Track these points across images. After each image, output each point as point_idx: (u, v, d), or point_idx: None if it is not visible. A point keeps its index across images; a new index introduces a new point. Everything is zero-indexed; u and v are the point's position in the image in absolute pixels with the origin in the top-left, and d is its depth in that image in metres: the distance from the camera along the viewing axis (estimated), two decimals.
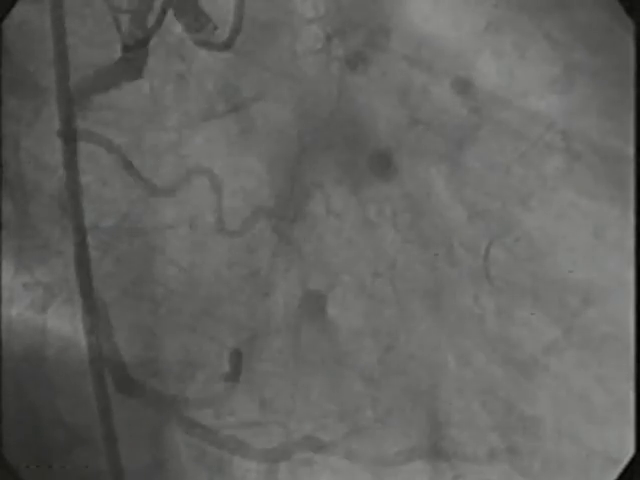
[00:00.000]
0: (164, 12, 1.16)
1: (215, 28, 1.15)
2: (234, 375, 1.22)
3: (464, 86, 1.18)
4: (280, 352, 1.22)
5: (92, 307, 1.18)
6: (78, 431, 1.19)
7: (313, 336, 1.22)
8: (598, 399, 1.22)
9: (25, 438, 1.18)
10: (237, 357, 1.21)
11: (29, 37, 1.17)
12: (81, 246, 1.18)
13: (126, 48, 1.16)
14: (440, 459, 1.24)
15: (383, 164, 1.20)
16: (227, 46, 1.17)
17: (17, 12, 1.15)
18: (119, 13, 1.16)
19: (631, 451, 1.17)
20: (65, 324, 1.19)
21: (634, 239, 1.17)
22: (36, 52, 1.17)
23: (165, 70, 1.18)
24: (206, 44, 1.17)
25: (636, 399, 1.17)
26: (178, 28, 1.18)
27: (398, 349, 1.23)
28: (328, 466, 1.24)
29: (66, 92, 1.17)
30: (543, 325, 1.22)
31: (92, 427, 1.20)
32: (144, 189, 1.19)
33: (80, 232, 1.18)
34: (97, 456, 1.20)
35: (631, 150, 1.18)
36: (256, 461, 1.23)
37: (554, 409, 1.23)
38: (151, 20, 1.17)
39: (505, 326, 1.22)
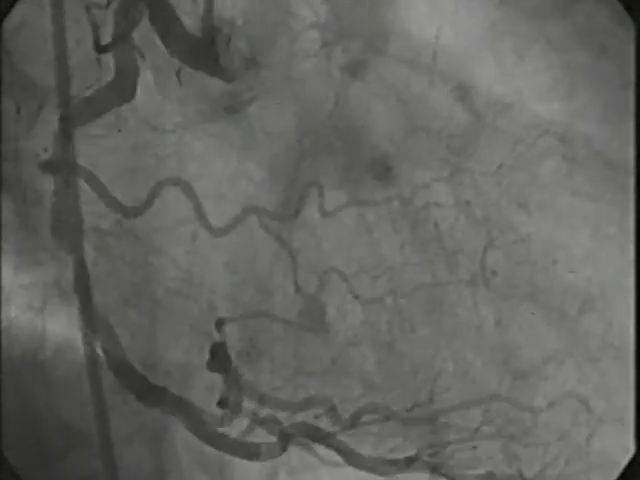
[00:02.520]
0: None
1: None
2: (235, 377, 1.22)
3: (463, 91, 1.18)
4: (280, 355, 1.22)
5: (90, 308, 1.18)
6: (76, 433, 1.20)
7: (312, 339, 1.22)
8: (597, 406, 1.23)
9: (23, 439, 1.19)
10: (239, 359, 1.22)
11: (29, 37, 1.16)
12: (79, 248, 1.18)
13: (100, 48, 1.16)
14: (438, 471, 1.25)
15: (382, 169, 1.20)
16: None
17: (17, 12, 1.15)
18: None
19: (631, 451, 1.18)
20: (63, 325, 1.19)
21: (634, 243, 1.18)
22: (36, 52, 1.17)
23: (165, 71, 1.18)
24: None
25: (636, 399, 1.18)
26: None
27: (396, 354, 1.23)
28: (327, 464, 1.25)
29: (66, 94, 1.17)
30: (543, 331, 1.22)
31: (90, 429, 1.20)
32: (142, 191, 1.19)
33: (79, 234, 1.18)
34: (94, 459, 1.20)
35: (631, 154, 1.18)
36: (258, 462, 1.24)
37: (553, 415, 1.24)
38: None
39: (504, 333, 1.23)
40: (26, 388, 1.19)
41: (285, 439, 1.23)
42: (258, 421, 1.23)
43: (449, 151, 1.19)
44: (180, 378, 1.21)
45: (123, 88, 1.16)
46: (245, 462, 1.24)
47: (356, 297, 1.22)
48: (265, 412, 1.23)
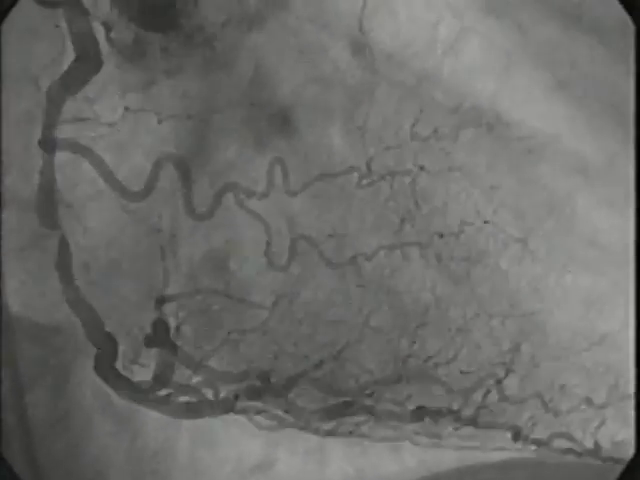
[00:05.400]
0: None
1: None
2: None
3: (360, 47, 1.22)
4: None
5: None
6: None
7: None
8: None
9: None
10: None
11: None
12: None
13: None
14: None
15: (283, 121, 1.23)
16: None
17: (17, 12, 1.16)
18: None
19: (631, 451, 1.20)
20: None
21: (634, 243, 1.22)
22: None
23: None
24: None
25: (636, 399, 1.20)
26: None
27: (297, 306, 1.26)
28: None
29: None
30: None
31: None
32: None
33: None
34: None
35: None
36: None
37: None
38: None
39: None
40: None
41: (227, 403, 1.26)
42: (191, 390, 1.25)
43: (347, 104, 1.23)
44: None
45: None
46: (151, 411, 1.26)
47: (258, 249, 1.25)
48: (198, 380, 1.25)
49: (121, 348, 1.21)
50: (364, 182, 1.24)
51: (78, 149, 1.17)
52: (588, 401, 1.31)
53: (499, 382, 1.29)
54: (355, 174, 1.24)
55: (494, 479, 1.31)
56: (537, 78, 1.24)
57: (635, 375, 1.21)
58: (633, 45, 1.19)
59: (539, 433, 1.32)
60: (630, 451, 1.24)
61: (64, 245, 1.19)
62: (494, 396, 1.30)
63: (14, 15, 1.11)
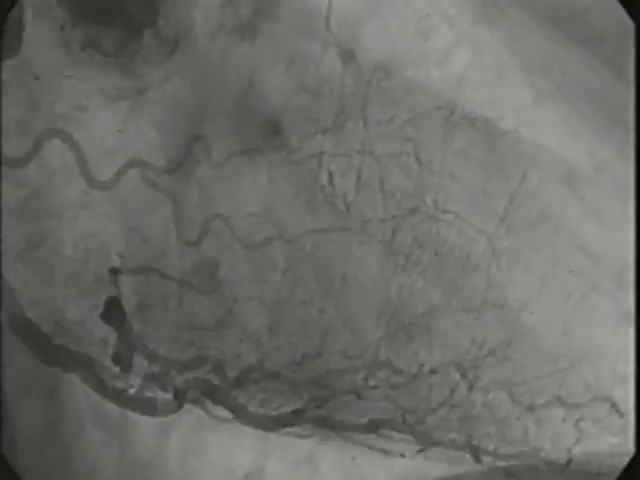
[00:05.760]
0: None
1: None
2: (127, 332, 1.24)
3: (349, 56, 1.23)
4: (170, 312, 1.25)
5: None
6: None
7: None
8: None
9: None
10: (121, 314, 1.24)
11: None
12: None
13: None
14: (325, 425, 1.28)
15: (273, 130, 1.23)
16: None
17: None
18: None
19: (631, 451, 1.20)
20: None
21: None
22: None
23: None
24: None
25: (636, 399, 1.20)
26: None
27: (285, 312, 1.26)
28: (219, 421, 1.27)
29: None
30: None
31: None
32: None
33: None
34: None
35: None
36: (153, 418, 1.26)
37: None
38: None
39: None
40: None
41: (180, 396, 1.25)
42: (150, 377, 1.24)
43: (336, 113, 1.24)
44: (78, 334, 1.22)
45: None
46: (141, 419, 1.26)
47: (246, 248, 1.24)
48: (156, 369, 1.24)
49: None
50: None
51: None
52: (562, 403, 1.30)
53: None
54: None
55: None
56: (528, 86, 1.25)
57: (635, 375, 1.21)
58: (630, 45, 1.19)
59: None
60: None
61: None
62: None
63: None
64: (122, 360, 1.24)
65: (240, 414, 1.27)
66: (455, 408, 1.29)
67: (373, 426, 1.28)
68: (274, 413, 1.27)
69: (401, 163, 1.25)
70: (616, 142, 1.24)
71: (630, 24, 1.18)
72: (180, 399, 1.25)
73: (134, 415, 1.25)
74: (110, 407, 1.25)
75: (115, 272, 1.22)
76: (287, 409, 1.27)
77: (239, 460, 1.29)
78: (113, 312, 1.23)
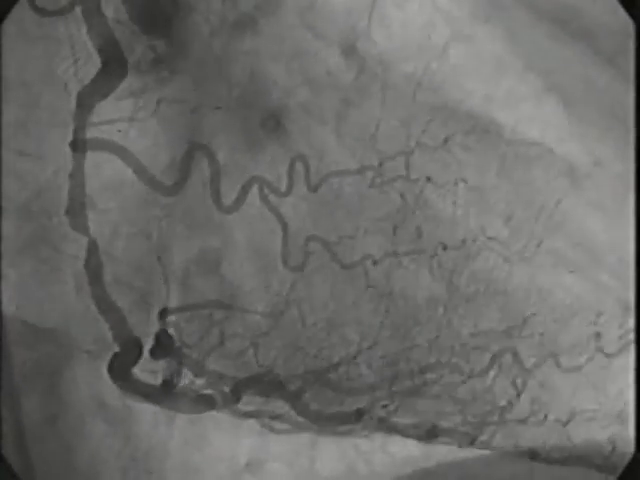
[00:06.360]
0: None
1: None
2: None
3: (350, 50, 1.23)
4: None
5: None
6: None
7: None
8: None
9: None
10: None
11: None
12: None
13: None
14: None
15: (276, 124, 1.23)
16: None
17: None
18: None
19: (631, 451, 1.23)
20: None
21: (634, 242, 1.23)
22: None
23: None
24: None
25: (636, 399, 1.22)
26: None
27: (289, 305, 1.27)
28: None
29: None
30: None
31: None
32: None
33: None
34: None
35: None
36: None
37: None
38: None
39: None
40: None
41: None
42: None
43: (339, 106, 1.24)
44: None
45: None
46: (143, 410, 1.26)
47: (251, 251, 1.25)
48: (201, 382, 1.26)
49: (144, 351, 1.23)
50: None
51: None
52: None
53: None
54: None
55: (480, 473, 1.33)
56: (527, 82, 1.25)
57: (635, 376, 1.24)
58: (628, 42, 1.20)
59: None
60: None
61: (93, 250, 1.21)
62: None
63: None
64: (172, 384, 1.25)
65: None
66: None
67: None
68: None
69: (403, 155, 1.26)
70: (615, 137, 1.26)
71: (629, 21, 1.19)
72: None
73: (136, 406, 1.26)
74: (112, 399, 1.25)
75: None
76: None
77: (240, 449, 1.30)
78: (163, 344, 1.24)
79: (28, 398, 1.22)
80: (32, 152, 1.17)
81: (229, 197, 1.24)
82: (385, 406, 1.29)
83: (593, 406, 1.33)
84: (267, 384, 1.27)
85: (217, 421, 1.29)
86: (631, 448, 1.25)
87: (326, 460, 1.32)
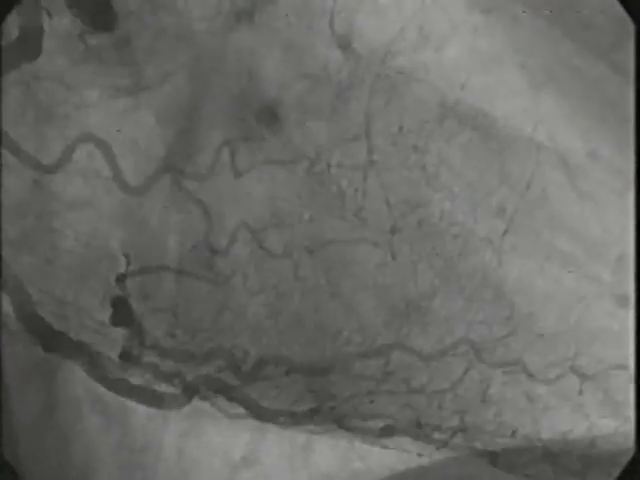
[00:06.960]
0: None
1: None
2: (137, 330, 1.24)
3: (347, 43, 1.22)
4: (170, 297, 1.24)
5: None
6: None
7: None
8: None
9: None
10: (123, 304, 1.24)
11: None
12: None
13: None
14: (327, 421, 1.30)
15: (270, 117, 1.23)
16: None
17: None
18: None
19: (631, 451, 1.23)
20: None
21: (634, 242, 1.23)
22: None
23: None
24: None
25: (636, 398, 1.22)
26: None
27: (289, 303, 1.27)
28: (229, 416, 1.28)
29: None
30: None
31: None
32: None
33: None
34: None
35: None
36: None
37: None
38: None
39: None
40: None
41: (189, 391, 1.26)
42: (161, 375, 1.25)
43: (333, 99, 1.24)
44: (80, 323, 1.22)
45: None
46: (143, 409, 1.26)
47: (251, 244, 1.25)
48: (168, 366, 1.25)
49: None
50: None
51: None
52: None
53: None
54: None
55: (481, 471, 1.34)
56: (523, 74, 1.25)
57: (635, 374, 1.24)
58: (624, 37, 1.20)
59: None
60: None
61: None
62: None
63: None
64: (132, 357, 1.24)
65: (254, 410, 1.28)
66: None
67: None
68: (290, 409, 1.28)
69: (398, 150, 1.26)
70: (610, 129, 1.26)
71: (625, 16, 1.19)
72: (189, 394, 1.26)
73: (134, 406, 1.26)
74: (109, 393, 1.25)
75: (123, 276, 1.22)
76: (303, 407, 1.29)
77: (235, 444, 1.30)
78: (121, 311, 1.22)
79: (23, 393, 1.22)
80: None
81: None
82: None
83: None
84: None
85: (212, 415, 1.29)
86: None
87: (321, 455, 1.33)
